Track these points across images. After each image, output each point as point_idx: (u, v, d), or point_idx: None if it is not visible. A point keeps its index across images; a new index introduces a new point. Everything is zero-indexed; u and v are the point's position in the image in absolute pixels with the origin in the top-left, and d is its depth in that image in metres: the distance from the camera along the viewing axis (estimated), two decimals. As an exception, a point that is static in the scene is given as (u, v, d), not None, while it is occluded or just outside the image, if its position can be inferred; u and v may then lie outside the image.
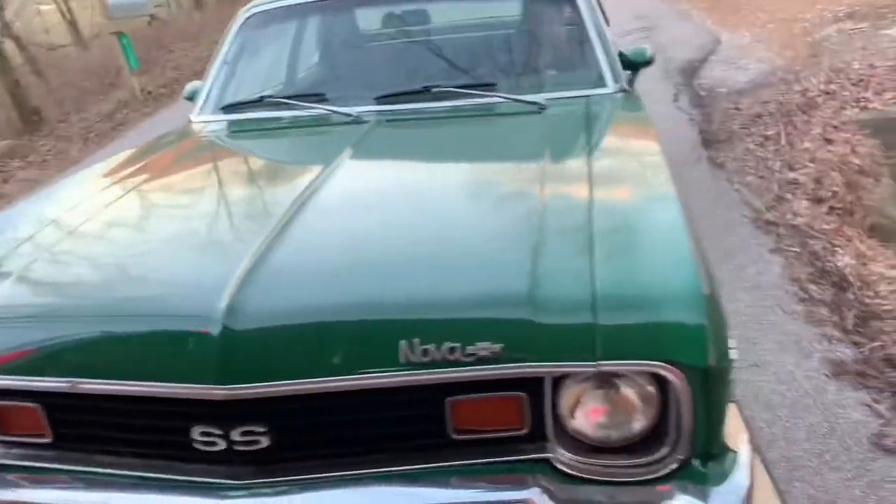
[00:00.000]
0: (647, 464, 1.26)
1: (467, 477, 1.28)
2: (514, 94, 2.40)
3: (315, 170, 1.86)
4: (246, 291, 1.27)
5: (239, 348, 1.23)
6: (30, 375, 1.31)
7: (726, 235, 3.82)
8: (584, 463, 1.27)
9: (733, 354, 1.30)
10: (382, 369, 1.22)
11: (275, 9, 2.90)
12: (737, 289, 3.32)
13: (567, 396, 1.26)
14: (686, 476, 1.24)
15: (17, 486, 1.37)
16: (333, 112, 2.41)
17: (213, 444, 1.27)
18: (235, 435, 1.26)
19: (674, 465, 1.25)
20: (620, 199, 1.62)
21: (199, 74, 9.62)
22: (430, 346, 1.20)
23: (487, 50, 2.80)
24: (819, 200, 4.40)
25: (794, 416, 2.53)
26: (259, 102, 2.59)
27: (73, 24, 17.10)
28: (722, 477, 1.25)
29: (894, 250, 4.30)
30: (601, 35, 2.61)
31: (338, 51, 3.16)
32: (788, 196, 4.34)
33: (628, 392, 1.25)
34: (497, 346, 1.19)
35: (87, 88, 10.70)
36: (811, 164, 4.79)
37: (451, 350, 1.20)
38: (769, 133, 5.33)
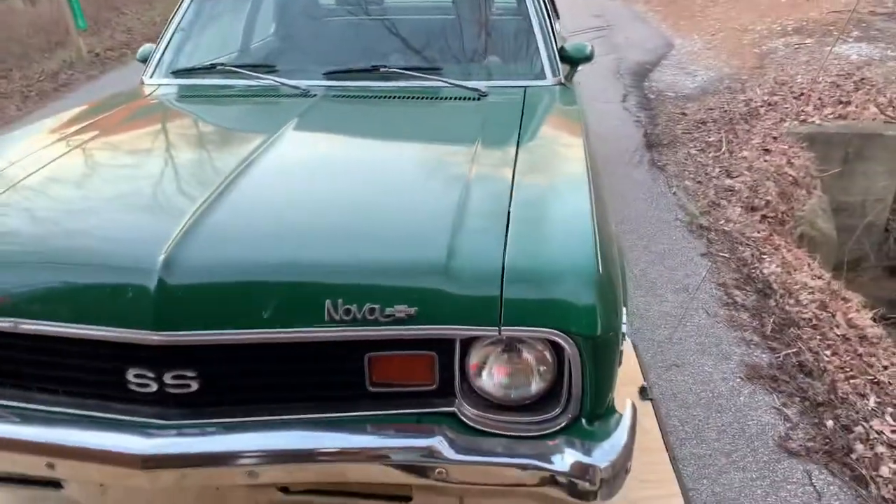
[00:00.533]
0: (540, 421, 1.40)
1: (381, 425, 1.40)
2: (458, 80, 2.49)
3: (259, 138, 1.95)
4: (183, 246, 1.36)
5: (174, 298, 1.31)
6: None
7: (660, 237, 3.91)
8: (486, 418, 1.40)
9: (624, 329, 1.42)
10: (308, 325, 1.32)
11: None
12: (666, 290, 3.41)
13: (474, 357, 1.39)
14: (574, 433, 1.38)
15: None
16: (283, 84, 2.47)
17: (146, 385, 1.36)
18: (167, 378, 1.35)
19: (564, 423, 1.38)
20: (538, 185, 1.73)
21: (152, 39, 9.32)
22: (352, 307, 1.31)
23: (437, 35, 2.86)
24: (752, 208, 4.54)
25: (707, 415, 2.63)
26: (211, 69, 2.63)
27: (19, -24, 16.45)
28: (605, 435, 1.38)
29: (819, 261, 4.47)
30: (544, 30, 2.72)
31: (292, 23, 3.18)
32: (724, 202, 4.46)
33: (528, 357, 1.38)
34: (412, 310, 1.31)
35: (33, 46, 10.29)
36: (748, 173, 4.93)
37: (371, 311, 1.31)
38: (711, 139, 5.46)
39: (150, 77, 2.71)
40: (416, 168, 1.99)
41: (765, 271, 3.72)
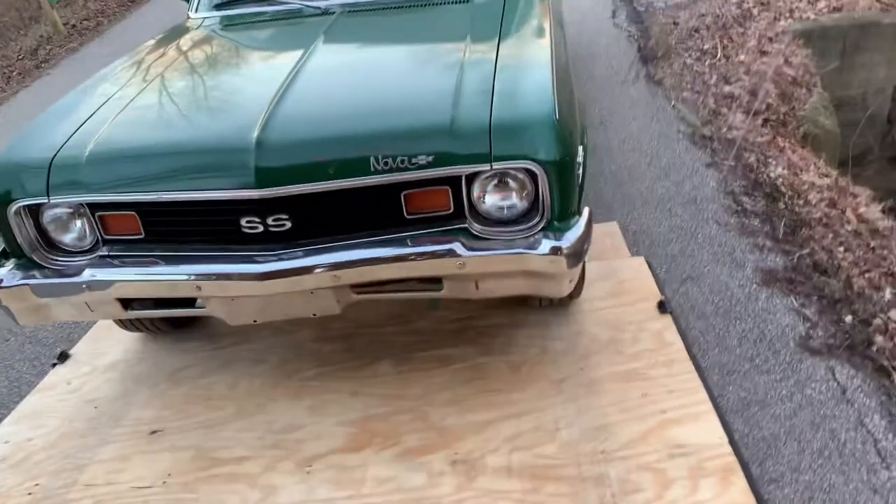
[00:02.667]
0: (526, 228, 1.95)
1: (418, 239, 1.97)
2: None
3: (299, 50, 2.46)
4: (267, 129, 1.91)
5: (267, 164, 1.85)
6: (131, 192, 1.96)
7: (664, 152, 3.89)
8: (488, 230, 1.96)
9: (580, 159, 2.00)
10: (361, 175, 1.87)
11: None
12: (675, 204, 3.42)
13: (476, 188, 1.93)
14: (549, 229, 1.93)
15: (122, 266, 2.02)
16: (305, 5, 2.96)
17: (254, 227, 1.93)
18: (269, 221, 1.91)
19: (542, 225, 1.94)
20: (514, 64, 2.23)
21: (124, 4, 9.08)
22: (389, 159, 1.85)
23: None
24: (754, 113, 4.49)
25: (727, 324, 2.67)
26: (243, 3, 3.11)
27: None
28: (568, 228, 1.93)
29: (825, 159, 4.45)
30: None
31: None
32: (724, 110, 4.42)
33: (513, 184, 1.93)
34: (430, 157, 1.85)
35: (6, 24, 10.10)
36: (746, 77, 4.87)
37: (402, 161, 1.85)
38: (706, 47, 5.37)
39: (195, 12, 3.20)
40: (424, 59, 2.54)
41: (771, 175, 3.71)
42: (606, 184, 3.66)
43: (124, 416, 2.33)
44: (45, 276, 2.05)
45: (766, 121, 4.48)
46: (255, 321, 2.14)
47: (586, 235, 1.95)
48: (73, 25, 8.95)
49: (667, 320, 2.44)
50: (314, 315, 2.15)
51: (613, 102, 4.57)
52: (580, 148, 2.03)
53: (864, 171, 6.01)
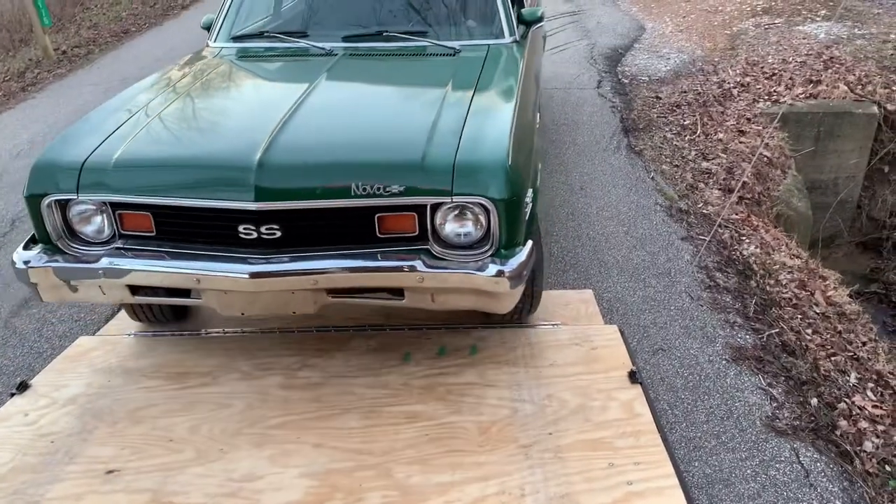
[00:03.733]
0: (477, 252, 2.29)
1: (387, 255, 2.31)
2: (439, 41, 3.35)
3: (304, 85, 2.84)
4: (267, 154, 2.28)
5: (265, 183, 2.21)
6: (149, 195, 2.31)
7: (641, 222, 3.95)
8: (446, 252, 2.30)
9: (528, 199, 2.38)
10: (342, 198, 2.23)
11: None
12: (650, 275, 3.45)
13: (439, 216, 2.28)
14: (496, 255, 2.27)
15: (134, 257, 2.36)
16: (313, 46, 3.33)
17: (250, 234, 2.27)
18: (262, 230, 2.26)
19: (491, 252, 2.28)
20: (482, 112, 2.58)
21: (118, 36, 9.14)
22: (368, 186, 2.22)
23: (425, 6, 3.64)
24: (729, 190, 4.60)
25: (695, 398, 2.68)
26: (258, 35, 3.52)
27: (-22, -27, 16.07)
28: (512, 255, 2.28)
29: (796, 240, 4.55)
30: (506, 2, 3.53)
31: None
32: (701, 185, 4.52)
33: (469, 216, 2.28)
34: (402, 188, 2.22)
35: (-5, 44, 10.10)
36: (724, 155, 5.00)
37: (378, 189, 2.22)
38: (686, 122, 5.51)
39: (214, 41, 3.58)
40: (408, 102, 2.90)
41: (744, 252, 3.78)
42: (584, 250, 3.70)
43: (80, 453, 2.26)
44: (67, 261, 2.40)
45: (741, 199, 4.58)
46: (242, 314, 2.47)
47: (527, 262, 2.33)
48: (64, 51, 8.95)
49: (637, 391, 2.45)
50: (293, 313, 2.45)
51: (594, 169, 4.65)
52: (530, 190, 2.43)
53: (833, 254, 6.15)
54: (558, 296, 3.22)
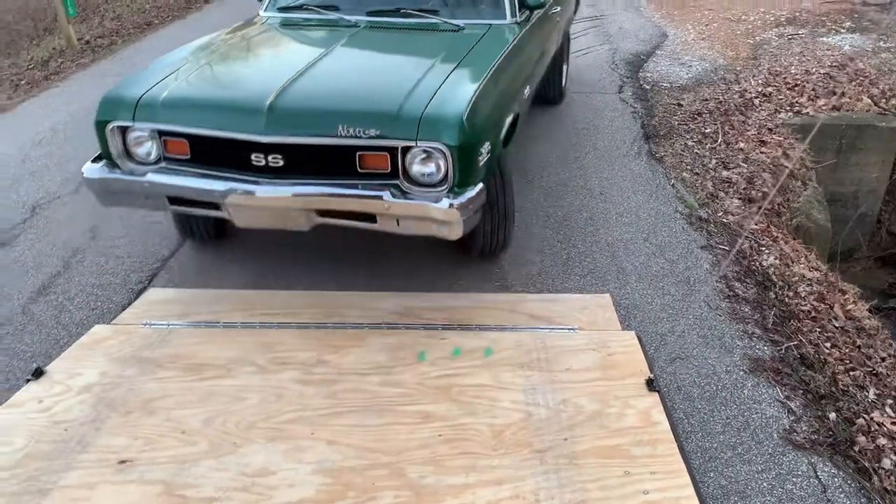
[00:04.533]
0: (437, 189, 2.82)
1: (365, 185, 2.86)
2: (447, 19, 3.95)
3: (322, 49, 3.51)
4: (277, 97, 2.88)
5: (273, 121, 2.80)
6: (186, 126, 2.94)
7: (660, 230, 3.92)
8: (412, 188, 2.84)
9: (483, 148, 2.89)
10: (331, 137, 2.80)
11: None
12: (668, 283, 3.42)
13: (408, 158, 2.81)
14: (451, 192, 2.80)
15: (172, 174, 3.02)
16: (341, 18, 4.02)
17: (259, 161, 2.87)
18: (269, 158, 2.85)
19: (446, 189, 2.81)
20: (462, 75, 3.16)
21: (141, 26, 9.16)
22: (351, 129, 2.78)
23: None
24: (750, 200, 4.56)
25: (712, 408, 2.65)
26: (300, 7, 4.22)
27: (5, -38, 16.18)
28: (463, 193, 2.79)
29: (816, 252, 4.50)
30: None
31: None
32: (721, 194, 4.47)
33: (432, 158, 2.80)
34: (377, 132, 2.77)
35: (20, 32, 10.14)
36: (745, 165, 4.95)
37: (359, 132, 2.78)
38: (707, 130, 5.47)
39: (264, 10, 4.33)
40: (403, 65, 3.44)
41: (764, 263, 3.74)
42: (602, 255, 3.67)
43: (93, 442, 2.26)
44: (123, 174, 3.10)
45: (761, 209, 4.54)
46: (250, 226, 3.12)
47: (476, 198, 2.85)
48: (87, 41, 9.00)
49: (654, 398, 2.42)
50: (290, 228, 3.07)
51: (614, 175, 4.62)
52: (487, 143, 2.95)
53: (852, 268, 6.09)
54: (576, 299, 3.20)
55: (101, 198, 3.20)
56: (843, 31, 7.83)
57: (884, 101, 6.05)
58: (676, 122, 5.60)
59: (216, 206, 3.05)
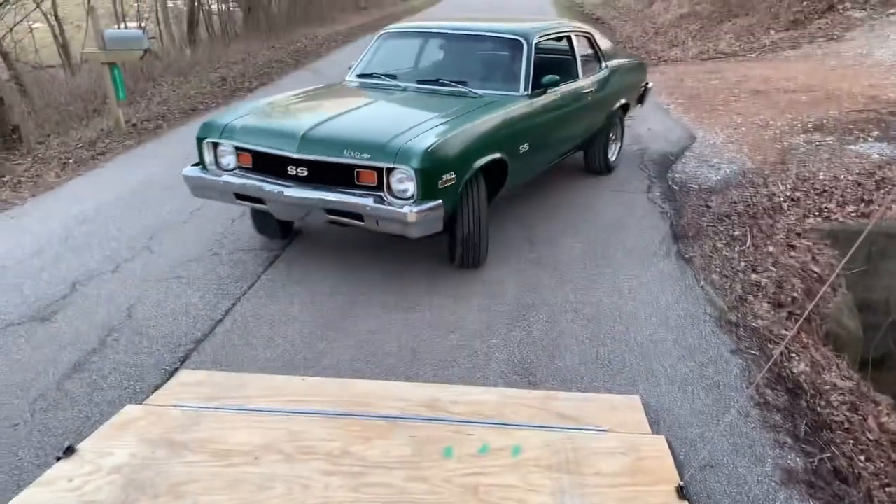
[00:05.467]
0: (406, 201, 3.93)
1: (358, 194, 4.02)
2: (472, 89, 5.11)
3: (367, 101, 4.97)
4: (309, 130, 4.17)
5: (303, 144, 4.11)
6: (251, 144, 4.32)
7: (690, 332, 3.92)
8: (392, 199, 3.97)
9: (446, 176, 4.02)
10: (339, 158, 4.03)
11: (392, 32, 6.10)
12: (698, 387, 3.40)
13: (390, 176, 3.95)
14: (414, 204, 3.91)
15: (238, 177, 4.43)
16: (396, 84, 5.38)
17: (291, 171, 4.18)
18: (298, 169, 4.15)
19: (412, 200, 3.92)
20: (450, 123, 4.30)
21: (187, 111, 9.59)
22: (352, 153, 4.00)
23: (470, 68, 5.57)
24: (779, 305, 4.55)
25: (743, 520, 2.59)
26: (371, 76, 5.62)
27: (64, 46, 17.10)
28: (423, 205, 3.89)
29: (847, 360, 4.44)
30: (527, 68, 5.21)
31: (408, 57, 6.02)
32: (750, 298, 4.48)
33: (405, 178, 3.92)
34: (369, 156, 3.97)
35: (71, 113, 10.63)
36: (773, 269, 4.97)
37: (357, 154, 3.99)
38: (736, 233, 5.51)
39: (349, 76, 5.81)
40: (414, 115, 4.56)
41: (794, 370, 3.71)
42: (631, 355, 3.67)
43: (121, 526, 2.27)
44: (209, 175, 4.54)
45: (790, 314, 4.52)
46: (281, 217, 4.61)
47: (432, 210, 3.95)
48: (134, 124, 9.40)
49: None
50: (308, 221, 4.78)
51: (643, 273, 4.66)
52: (451, 173, 4.05)
53: (883, 376, 5.96)
54: (605, 399, 3.19)
55: (193, 190, 4.67)
56: (870, 139, 7.95)
57: (913, 210, 6.07)
58: (705, 224, 5.66)
59: (262, 201, 4.34)
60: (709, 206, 6.07)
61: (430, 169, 3.89)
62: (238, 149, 4.38)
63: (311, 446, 2.72)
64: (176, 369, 3.54)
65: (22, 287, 4.53)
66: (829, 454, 3.04)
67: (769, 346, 3.88)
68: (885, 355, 6.07)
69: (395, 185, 3.95)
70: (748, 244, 5.33)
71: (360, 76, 5.65)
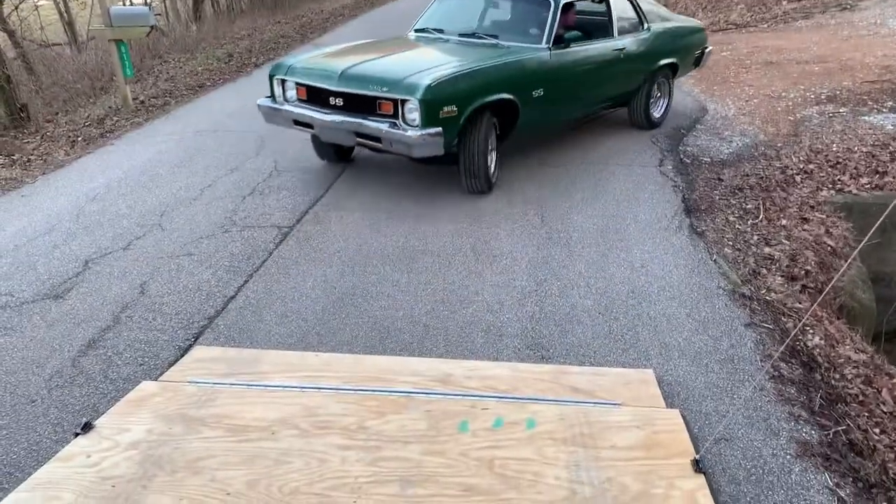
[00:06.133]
0: (414, 127, 4.98)
1: (379, 121, 5.04)
2: (502, 42, 5.93)
3: (408, 48, 6.06)
4: (346, 70, 5.27)
5: (341, 80, 5.22)
6: (305, 80, 5.51)
7: (703, 305, 3.90)
8: (405, 126, 4.93)
9: (447, 108, 4.91)
10: (366, 91, 5.07)
11: None
12: (712, 360, 3.39)
13: (404, 108, 4.94)
14: (419, 129, 4.87)
15: (295, 107, 5.63)
16: (441, 36, 6.32)
17: (334, 101, 5.27)
18: (337, 100, 5.24)
19: (419, 126, 4.87)
20: (461, 65, 5.20)
21: (193, 87, 9.53)
22: (375, 87, 5.03)
23: (505, 23, 6.44)
24: (793, 278, 4.52)
25: (758, 493, 2.59)
26: (424, 31, 6.53)
27: (70, 24, 17.03)
28: (423, 129, 4.89)
29: (861, 333, 4.42)
30: (552, 24, 5.90)
31: (457, 14, 6.80)
32: (764, 271, 4.45)
33: (414, 108, 4.87)
34: (387, 90, 4.97)
35: (78, 91, 10.61)
36: (787, 242, 4.93)
37: (379, 89, 5.01)
38: (748, 206, 5.47)
39: (410, 31, 6.68)
40: (437, 59, 5.45)
41: (809, 344, 3.69)
42: (644, 329, 3.66)
43: (141, 501, 2.28)
44: (275, 104, 5.66)
45: (804, 287, 4.50)
46: (324, 138, 5.56)
47: (432, 135, 4.83)
48: (142, 101, 9.37)
49: (700, 480, 2.39)
50: (342, 143, 5.56)
51: (655, 248, 4.63)
52: (453, 106, 4.91)
53: (896, 349, 5.95)
54: (618, 374, 3.18)
55: (265, 117, 5.83)
56: (884, 110, 7.85)
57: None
58: (717, 197, 5.62)
59: (311, 126, 5.41)
60: (721, 180, 6.02)
61: (431, 100, 4.80)
62: (297, 84, 5.53)
63: (327, 421, 2.73)
64: (190, 346, 3.55)
65: (35, 265, 4.54)
66: (843, 427, 3.04)
67: (783, 319, 3.86)
68: (898, 328, 6.04)
69: (407, 115, 4.89)
70: (761, 217, 5.30)
71: (416, 31, 6.65)
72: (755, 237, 4.94)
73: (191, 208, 5.47)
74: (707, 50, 8.17)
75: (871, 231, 2.53)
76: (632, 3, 6.99)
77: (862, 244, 2.68)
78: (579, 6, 6.46)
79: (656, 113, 7.52)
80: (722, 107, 8.38)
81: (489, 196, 5.59)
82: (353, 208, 5.42)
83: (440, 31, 6.37)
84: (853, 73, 9.33)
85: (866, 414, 3.26)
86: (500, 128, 5.62)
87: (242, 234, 4.93)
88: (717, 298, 3.99)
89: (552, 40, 5.81)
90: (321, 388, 2.97)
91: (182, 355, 3.41)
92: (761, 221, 5.23)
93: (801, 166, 6.36)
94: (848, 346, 3.96)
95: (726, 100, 8.66)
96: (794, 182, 6.06)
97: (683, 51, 7.63)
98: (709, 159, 6.56)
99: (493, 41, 5.92)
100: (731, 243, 4.79)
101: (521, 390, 3.00)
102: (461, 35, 6.16)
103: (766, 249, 4.78)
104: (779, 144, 6.96)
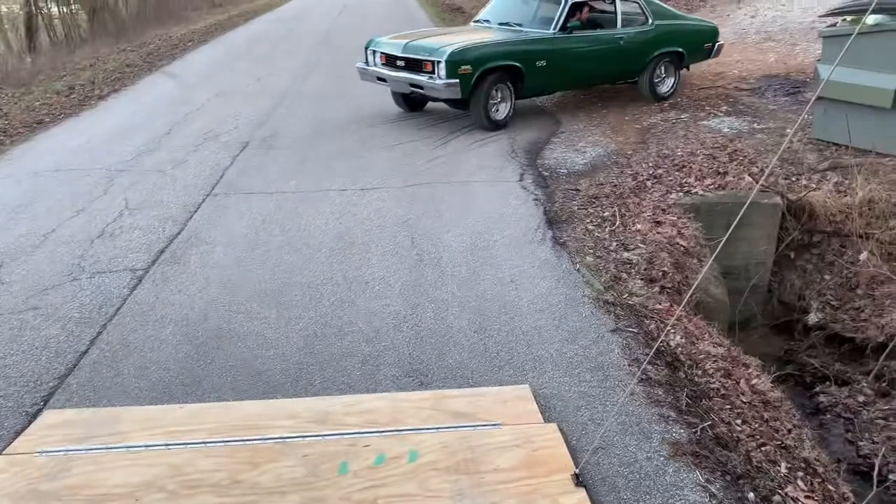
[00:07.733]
0: (442, 80, 7.59)
1: (424, 76, 7.85)
2: (523, 27, 8.49)
3: (460, 32, 9.17)
4: (407, 44, 8.19)
5: (404, 49, 8.14)
6: (383, 50, 8.49)
7: (571, 315, 4.00)
8: (437, 79, 7.67)
9: (463, 69, 7.54)
10: (416, 55, 7.95)
11: None
12: (583, 370, 3.48)
13: (437, 67, 7.64)
14: (444, 79, 7.66)
15: (379, 68, 8.56)
16: (486, 26, 8.96)
17: (399, 63, 8.19)
18: (401, 62, 8.18)
19: (445, 78, 7.61)
20: (481, 41, 8.08)
21: (30, 126, 8.82)
22: (422, 54, 7.87)
23: (531, 14, 8.69)
24: (651, 280, 4.74)
25: (637, 498, 2.66)
26: (479, 21, 9.41)
27: None
28: (447, 80, 7.61)
29: (717, 327, 4.69)
30: (560, 17, 8.22)
31: (505, 8, 9.18)
32: (624, 276, 4.64)
33: (442, 67, 7.56)
34: (429, 55, 7.73)
35: None
36: (643, 245, 5.17)
37: (424, 54, 7.85)
38: (605, 214, 5.70)
39: (472, 21, 9.55)
40: (472, 38, 8.10)
41: (671, 343, 3.87)
42: (518, 344, 3.70)
43: None
44: (368, 66, 8.68)
45: (662, 288, 4.72)
46: (393, 89, 8.63)
47: (451, 85, 7.49)
48: (-30, 143, 8.60)
49: (581, 494, 2.43)
50: (403, 91, 8.56)
51: (523, 262, 4.72)
52: (468, 66, 7.52)
53: (749, 337, 6.36)
54: (496, 393, 3.20)
55: (361, 76, 8.67)
56: (720, 114, 8.44)
57: (763, 178, 6.47)
58: (576, 207, 5.82)
59: (386, 81, 8.22)
60: (578, 190, 6.25)
61: (451, 62, 7.41)
62: (381, 53, 8.28)
63: (196, 480, 2.57)
64: (39, 410, 3.25)
65: None
66: (709, 422, 3.19)
67: (645, 321, 4.03)
68: (749, 318, 6.47)
69: (439, 71, 7.47)
70: (618, 224, 5.53)
71: (474, 21, 9.43)
72: (614, 243, 5.14)
73: (33, 256, 5.05)
74: (718, 44, 9.78)
75: (728, 232, 2.67)
76: (639, 3, 8.95)
77: (720, 245, 2.82)
78: (594, 4, 8.68)
79: (664, 89, 9.37)
80: (573, 120, 8.72)
81: (361, 222, 5.52)
82: (214, 242, 5.19)
83: (487, 21, 9.01)
84: (689, 80, 9.99)
85: (728, 407, 3.45)
86: (514, 87, 8.06)
87: (92, 282, 4.60)
88: (583, 307, 4.11)
89: (559, 28, 8.14)
90: (188, 444, 2.79)
91: (30, 422, 3.12)
92: (618, 228, 5.46)
93: (651, 172, 6.70)
94: (707, 342, 4.19)
95: (577, 113, 9.04)
96: (646, 187, 6.37)
97: (688, 43, 9.42)
98: (565, 171, 6.80)
99: (519, 28, 8.40)
100: (591, 251, 4.96)
101: (403, 421, 2.95)
102: (499, 24, 8.67)
103: (625, 254, 4.99)
104: (629, 152, 7.31)
